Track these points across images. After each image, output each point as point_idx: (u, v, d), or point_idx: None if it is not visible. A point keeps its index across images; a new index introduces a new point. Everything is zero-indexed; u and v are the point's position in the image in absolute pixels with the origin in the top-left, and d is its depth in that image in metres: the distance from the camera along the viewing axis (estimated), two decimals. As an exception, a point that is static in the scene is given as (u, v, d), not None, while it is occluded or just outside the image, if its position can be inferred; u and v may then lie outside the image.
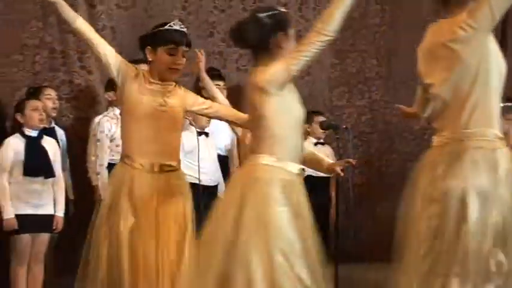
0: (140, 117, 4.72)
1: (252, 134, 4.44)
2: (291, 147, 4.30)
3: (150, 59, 4.84)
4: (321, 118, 7.16)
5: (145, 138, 4.75)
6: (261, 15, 4.34)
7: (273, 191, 4.16)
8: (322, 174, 5.49)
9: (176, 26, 4.85)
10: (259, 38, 4.30)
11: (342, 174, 5.09)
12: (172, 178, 4.95)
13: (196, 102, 5.13)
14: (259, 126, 4.26)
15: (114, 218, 4.71)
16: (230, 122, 5.57)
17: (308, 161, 4.80)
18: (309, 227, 4.25)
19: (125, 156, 4.83)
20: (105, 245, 4.73)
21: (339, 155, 7.24)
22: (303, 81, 8.56)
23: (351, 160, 4.96)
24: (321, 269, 4.24)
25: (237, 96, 7.58)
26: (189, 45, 4.91)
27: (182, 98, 4.99)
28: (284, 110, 4.25)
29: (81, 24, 4.84)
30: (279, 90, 4.18)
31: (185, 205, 5.07)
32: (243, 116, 5.04)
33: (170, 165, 4.95)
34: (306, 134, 7.21)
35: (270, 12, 4.35)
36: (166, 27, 4.85)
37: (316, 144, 7.16)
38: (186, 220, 4.98)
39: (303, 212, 4.24)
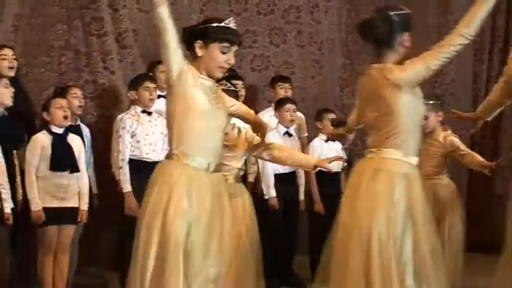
0: (199, 113, 4.29)
1: (372, 128, 4.45)
2: (416, 142, 4.35)
3: (199, 54, 4.33)
4: (332, 115, 7.16)
5: (203, 136, 4.33)
6: (392, 13, 4.39)
7: (397, 184, 4.26)
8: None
9: (231, 24, 4.44)
10: (387, 35, 4.36)
11: (332, 170, 5.23)
12: (224, 178, 4.69)
13: (230, 102, 4.86)
14: (387, 121, 4.29)
15: (168, 217, 4.22)
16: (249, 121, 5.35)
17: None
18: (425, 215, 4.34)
19: (179, 154, 4.30)
20: (155, 244, 4.26)
21: (349, 150, 7.29)
22: (314, 81, 8.61)
23: (341, 156, 5.02)
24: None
25: (251, 95, 7.60)
26: (239, 46, 4.57)
27: (222, 98, 4.66)
28: (414, 107, 4.32)
29: (164, 11, 4.36)
30: (413, 88, 4.26)
31: (244, 205, 5.20)
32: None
33: (222, 165, 4.83)
34: (317, 131, 7.22)
35: (400, 12, 4.42)
36: (222, 24, 4.40)
37: (326, 140, 7.14)
38: (245, 220, 5.08)
39: (421, 202, 4.32)
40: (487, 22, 9.48)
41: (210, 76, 4.34)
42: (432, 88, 9.16)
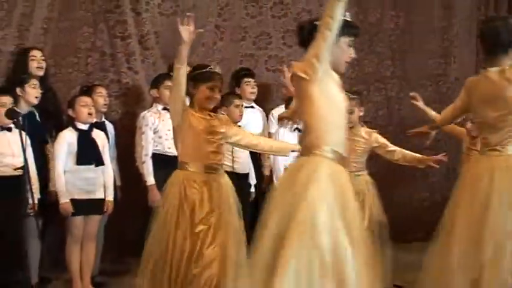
0: (339, 109, 4.12)
1: (493, 127, 4.49)
2: None
3: None
4: None
5: (342, 130, 4.16)
6: None
7: None
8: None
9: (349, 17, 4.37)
10: (507, 42, 4.42)
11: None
12: None
13: None
14: (509, 121, 4.41)
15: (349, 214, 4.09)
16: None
17: None
18: None
19: (325, 149, 4.03)
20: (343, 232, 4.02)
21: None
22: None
23: None
24: None
25: (264, 93, 7.59)
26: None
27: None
28: None
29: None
30: None
31: None
32: None
33: None
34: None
35: None
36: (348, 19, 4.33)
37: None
38: None
39: None
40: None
41: (335, 70, 4.16)
42: (437, 86, 9.18)
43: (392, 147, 6.18)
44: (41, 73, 6.52)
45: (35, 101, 6.19)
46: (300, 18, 8.21)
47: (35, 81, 6.23)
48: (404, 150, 6.13)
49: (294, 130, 6.09)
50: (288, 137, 6.44)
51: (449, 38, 9.22)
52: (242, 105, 6.67)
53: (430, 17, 9.06)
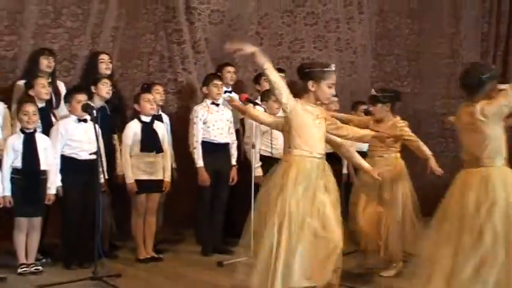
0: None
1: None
2: None
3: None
4: (364, 106, 7.13)
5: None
6: None
7: None
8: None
9: (333, 68, 4.59)
10: (477, 84, 4.21)
11: None
12: None
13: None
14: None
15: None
16: None
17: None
18: None
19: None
20: None
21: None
22: (350, 79, 8.59)
23: None
24: None
25: (298, 89, 7.61)
26: None
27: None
28: None
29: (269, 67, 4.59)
30: None
31: None
32: None
33: None
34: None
35: None
36: (329, 68, 4.54)
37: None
38: None
39: None
40: (492, 30, 9.40)
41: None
42: (447, 84, 9.11)
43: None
44: (108, 72, 6.55)
45: (108, 96, 6.24)
46: (328, 25, 8.23)
47: (106, 80, 6.31)
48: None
49: None
50: None
51: (458, 42, 9.15)
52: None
53: (440, 24, 9.01)
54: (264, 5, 8.04)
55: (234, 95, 6.98)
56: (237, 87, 7.41)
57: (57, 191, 5.86)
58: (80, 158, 5.90)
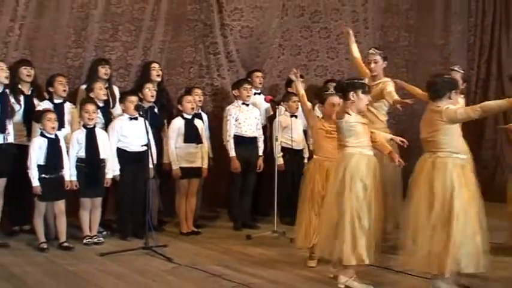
0: None
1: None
2: None
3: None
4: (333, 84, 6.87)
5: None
6: None
7: None
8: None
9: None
10: (443, 92, 4.13)
11: None
12: None
13: None
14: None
15: None
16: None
17: None
18: None
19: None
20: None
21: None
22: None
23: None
24: None
25: (312, 92, 7.55)
26: None
27: None
28: None
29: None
30: None
31: None
32: None
33: None
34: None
35: None
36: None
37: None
38: None
39: None
40: (477, 42, 9.25)
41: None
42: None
43: None
44: (159, 79, 6.59)
45: (152, 99, 6.22)
46: (339, 38, 8.13)
47: (150, 86, 6.29)
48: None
49: None
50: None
51: (448, 52, 9.02)
52: (297, 101, 6.66)
53: (433, 37, 8.88)
54: (286, 22, 7.98)
55: (261, 96, 6.96)
56: (264, 90, 7.36)
57: (114, 176, 5.89)
58: (129, 150, 5.93)
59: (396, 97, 5.34)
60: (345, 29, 6.10)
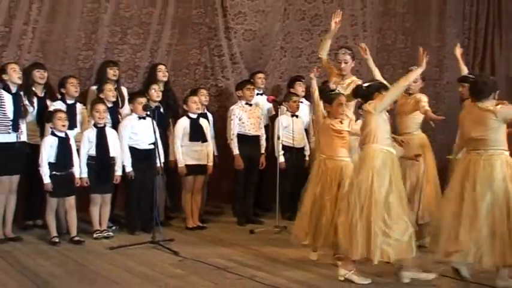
0: None
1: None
2: None
3: None
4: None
5: None
6: None
7: None
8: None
9: None
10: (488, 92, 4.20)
11: None
12: None
13: None
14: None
15: None
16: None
17: None
18: None
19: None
20: None
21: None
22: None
23: None
24: None
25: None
26: None
27: None
28: None
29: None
30: None
31: None
32: None
33: None
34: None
35: None
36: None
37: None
38: None
39: None
40: (471, 44, 9.23)
41: None
42: (434, 87, 8.97)
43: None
44: (164, 80, 6.58)
45: (157, 99, 6.22)
46: (339, 41, 8.08)
47: (156, 87, 6.29)
48: None
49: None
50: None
51: (443, 53, 9.00)
52: (297, 101, 6.67)
53: (429, 40, 8.84)
54: (287, 26, 7.95)
55: (264, 97, 6.95)
56: (266, 91, 7.35)
57: (128, 174, 5.90)
58: (139, 147, 5.93)
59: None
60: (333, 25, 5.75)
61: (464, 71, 5.91)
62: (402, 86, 4.38)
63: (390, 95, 4.33)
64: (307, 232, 4.80)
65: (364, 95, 4.47)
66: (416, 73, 4.48)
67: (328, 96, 4.94)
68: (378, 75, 5.40)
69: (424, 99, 5.29)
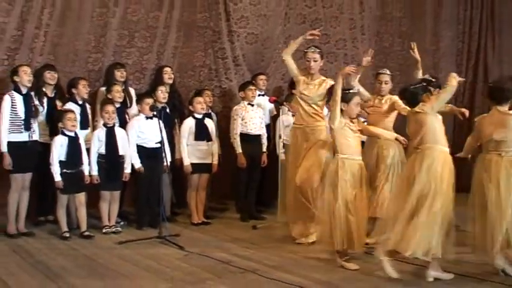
0: None
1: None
2: None
3: None
4: None
5: None
6: None
7: None
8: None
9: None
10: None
11: None
12: None
13: None
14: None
15: None
16: None
17: None
18: None
19: None
20: None
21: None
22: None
23: None
24: None
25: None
26: None
27: None
28: None
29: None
30: None
31: None
32: None
33: None
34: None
35: None
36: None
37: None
38: None
39: None
40: (465, 48, 9.23)
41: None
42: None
43: None
44: (170, 81, 6.58)
45: (163, 100, 6.24)
46: (338, 44, 8.14)
47: (162, 88, 6.29)
48: None
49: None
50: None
51: (438, 56, 9.02)
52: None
53: (424, 43, 8.84)
54: (288, 29, 7.94)
55: (265, 97, 6.95)
56: (268, 91, 7.34)
57: (138, 170, 5.90)
58: (147, 146, 5.93)
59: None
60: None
61: (419, 74, 5.71)
62: (454, 87, 4.25)
63: (445, 96, 4.25)
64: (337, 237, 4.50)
65: (411, 96, 4.36)
66: (456, 78, 4.31)
67: (345, 94, 4.63)
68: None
69: (399, 100, 5.15)
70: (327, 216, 4.50)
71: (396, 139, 4.98)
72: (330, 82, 5.33)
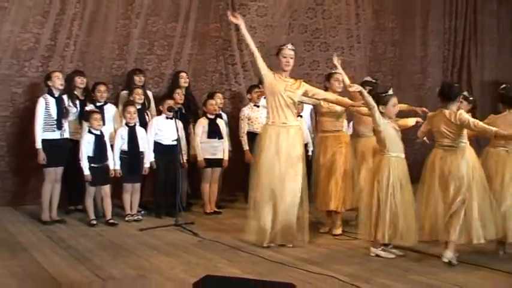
0: None
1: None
2: None
3: None
4: None
5: None
6: None
7: None
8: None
9: None
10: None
11: None
12: None
13: None
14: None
15: None
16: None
17: None
18: None
19: None
20: None
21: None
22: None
23: None
24: None
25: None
26: None
27: None
28: None
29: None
30: None
31: None
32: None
33: None
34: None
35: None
36: None
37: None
38: None
39: None
40: (450, 55, 9.22)
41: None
42: (418, 92, 8.97)
43: None
44: (186, 85, 6.59)
45: (180, 102, 6.26)
46: (336, 51, 8.08)
47: (179, 91, 6.31)
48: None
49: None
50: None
51: (426, 62, 9.03)
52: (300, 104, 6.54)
53: (413, 50, 8.88)
54: (292, 38, 7.89)
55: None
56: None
57: (151, 164, 5.91)
58: (163, 143, 5.94)
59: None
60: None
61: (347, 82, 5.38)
62: (491, 134, 4.17)
63: (474, 128, 4.13)
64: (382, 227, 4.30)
65: (447, 96, 4.25)
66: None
67: (382, 98, 4.42)
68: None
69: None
70: (374, 208, 4.31)
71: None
72: (305, 84, 4.97)
